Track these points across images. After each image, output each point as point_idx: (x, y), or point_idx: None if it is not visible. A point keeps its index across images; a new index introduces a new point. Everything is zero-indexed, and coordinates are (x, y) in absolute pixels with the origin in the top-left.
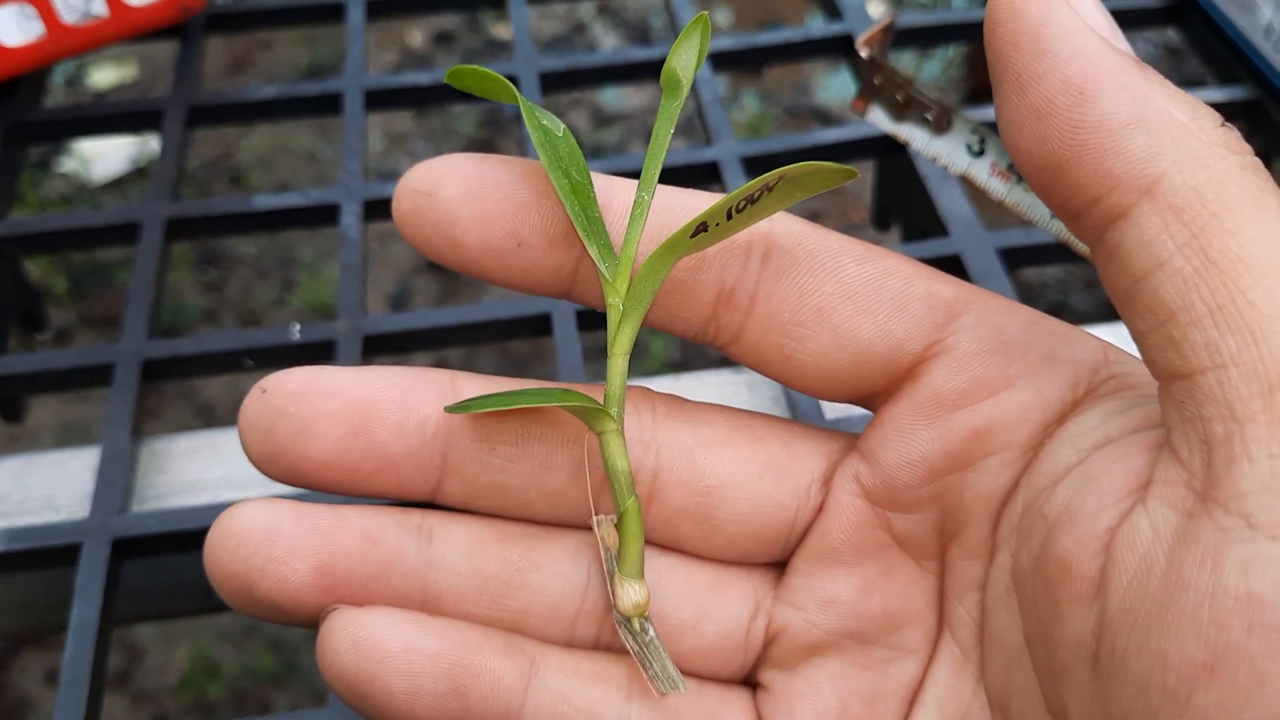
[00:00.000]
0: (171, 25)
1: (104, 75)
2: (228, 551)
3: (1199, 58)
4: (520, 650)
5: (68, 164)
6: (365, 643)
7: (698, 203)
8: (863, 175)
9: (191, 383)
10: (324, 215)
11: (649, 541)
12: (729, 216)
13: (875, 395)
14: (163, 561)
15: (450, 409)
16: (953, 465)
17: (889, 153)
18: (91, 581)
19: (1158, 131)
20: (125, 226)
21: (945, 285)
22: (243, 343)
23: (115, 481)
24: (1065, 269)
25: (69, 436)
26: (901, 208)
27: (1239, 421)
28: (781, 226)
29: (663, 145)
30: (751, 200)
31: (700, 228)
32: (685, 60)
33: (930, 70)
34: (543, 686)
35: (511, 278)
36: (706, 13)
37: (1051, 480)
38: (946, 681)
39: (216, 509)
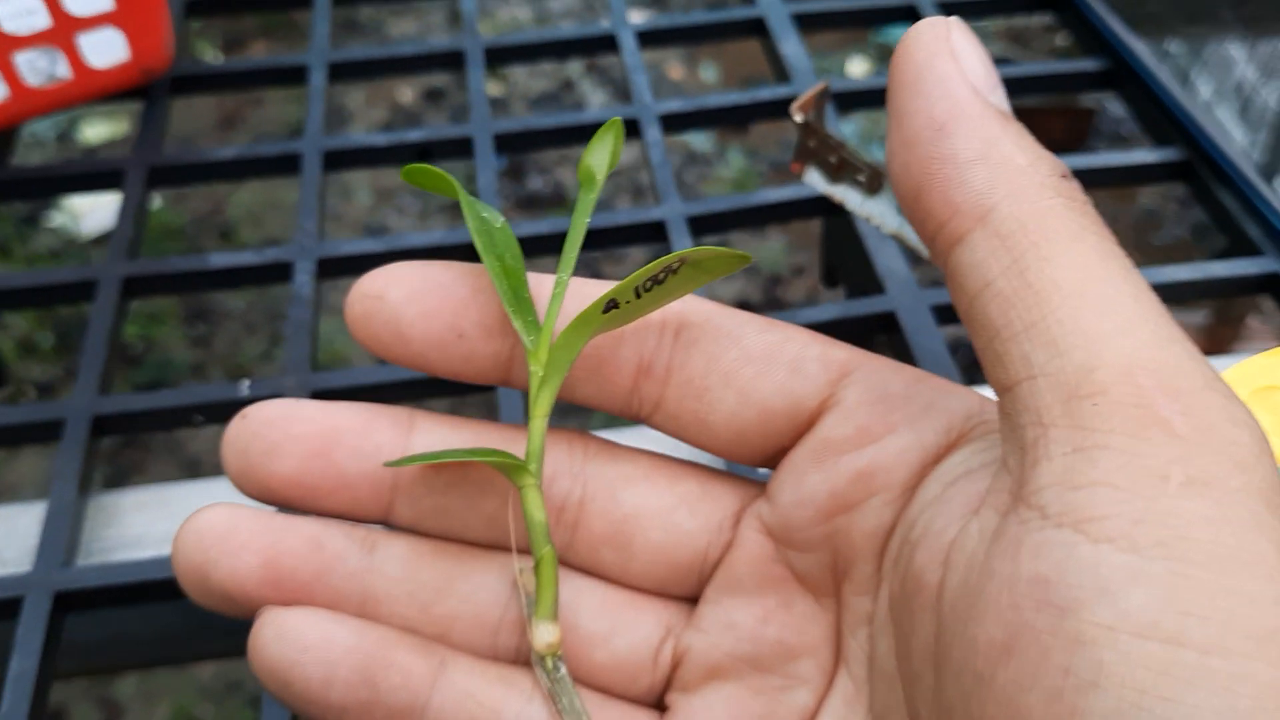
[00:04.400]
0: (135, 87)
1: (95, 130)
2: (190, 545)
3: (1136, 121)
4: (432, 651)
5: (57, 218)
6: (288, 635)
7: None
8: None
9: (177, 436)
10: (278, 273)
11: (574, 567)
12: (638, 295)
13: (784, 453)
14: (107, 615)
15: (389, 464)
16: (839, 506)
17: (833, 213)
18: (32, 634)
19: (997, 169)
20: (82, 284)
21: (838, 349)
22: (192, 398)
23: (59, 535)
24: None
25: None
26: (844, 266)
27: (1044, 426)
28: (691, 306)
29: (579, 232)
30: (657, 281)
31: (611, 304)
32: (599, 159)
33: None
34: (450, 683)
35: (454, 367)
36: (619, 119)
37: (919, 512)
38: (839, 713)
39: (160, 563)
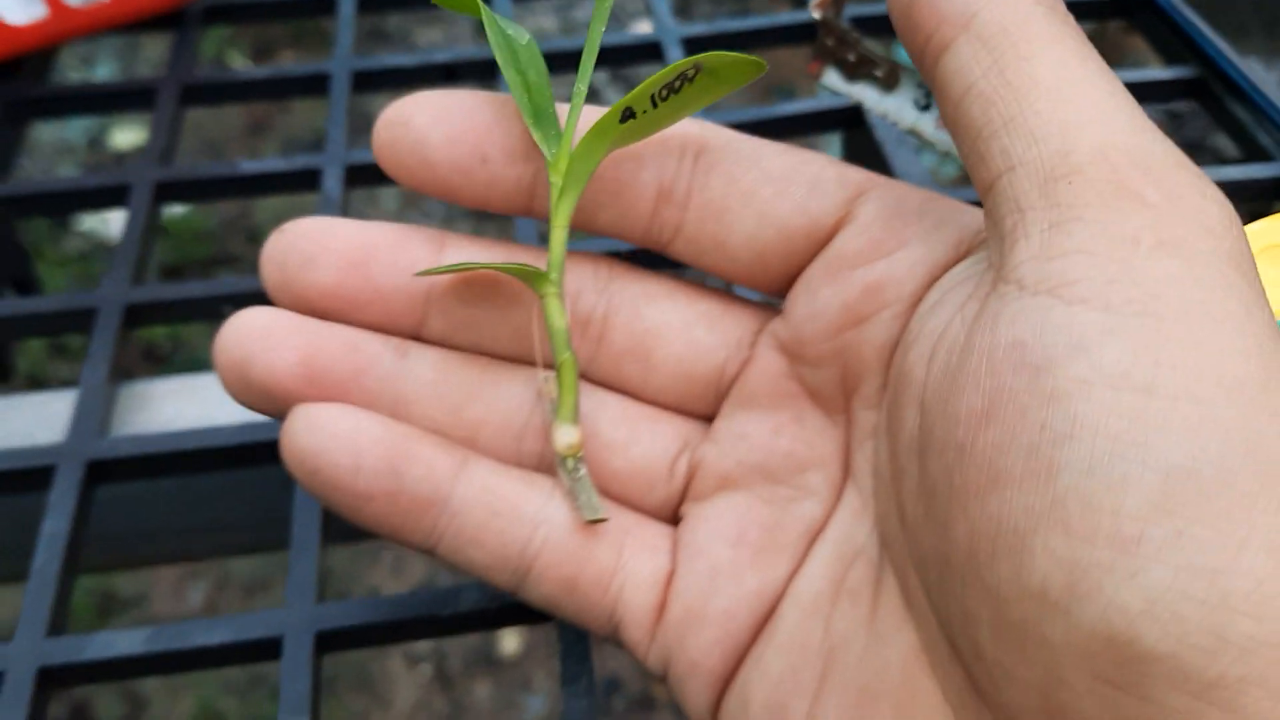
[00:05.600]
0: (173, 8)
1: (126, 136)
2: (231, 342)
3: (1147, 42)
4: (455, 449)
5: (87, 222)
6: (318, 424)
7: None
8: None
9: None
10: (306, 180)
11: (598, 381)
12: (654, 104)
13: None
14: (138, 495)
15: (420, 273)
16: (850, 319)
17: (853, 125)
18: (65, 499)
19: None
20: (116, 188)
21: (855, 171)
22: (224, 289)
23: (93, 412)
24: None
25: None
26: None
27: (1022, 211)
28: (711, 131)
29: (596, 41)
30: (673, 89)
31: (628, 113)
32: None
33: None
34: (472, 478)
35: (477, 193)
36: None
37: (918, 318)
38: (845, 525)
39: (196, 433)
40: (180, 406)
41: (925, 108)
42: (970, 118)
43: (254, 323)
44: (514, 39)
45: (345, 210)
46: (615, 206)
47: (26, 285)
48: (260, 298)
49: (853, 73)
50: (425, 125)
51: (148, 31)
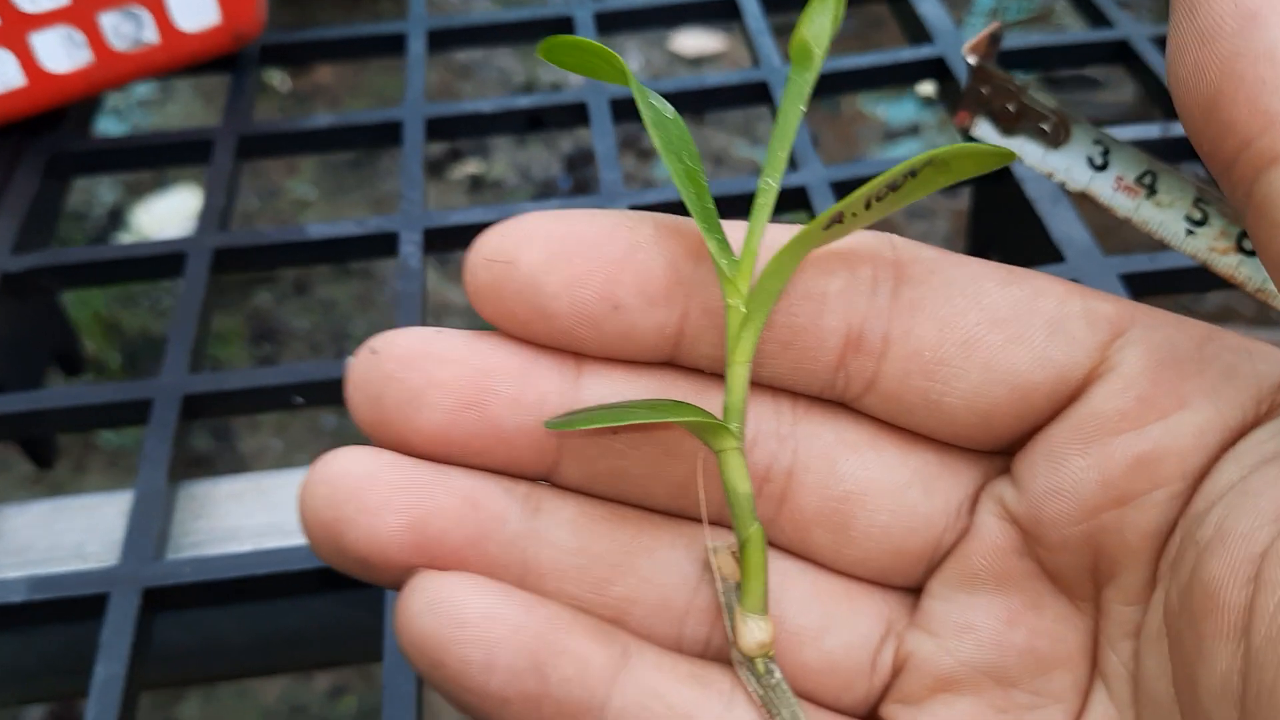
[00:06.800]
0: (225, 55)
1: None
2: (321, 498)
3: None
4: (613, 638)
5: (125, 238)
6: (443, 606)
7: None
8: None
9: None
10: (381, 245)
11: (776, 546)
12: (867, 206)
13: (1036, 432)
14: (201, 616)
15: (550, 425)
16: (1111, 499)
17: (989, 178)
18: (119, 636)
19: None
20: (170, 257)
21: (1103, 301)
22: (293, 377)
23: (149, 526)
24: (1197, 298)
25: None
26: (1003, 236)
27: None
28: (908, 255)
29: (792, 125)
30: (893, 187)
31: (835, 219)
32: (818, 29)
33: None
34: (634, 679)
35: (609, 346)
36: None
37: (1210, 502)
38: None
39: (261, 557)
40: (246, 512)
41: (1102, 167)
42: None
43: (348, 472)
44: (661, 111)
45: (424, 276)
46: (786, 357)
47: (72, 362)
48: (336, 386)
49: (1011, 125)
50: (537, 265)
51: (201, 75)
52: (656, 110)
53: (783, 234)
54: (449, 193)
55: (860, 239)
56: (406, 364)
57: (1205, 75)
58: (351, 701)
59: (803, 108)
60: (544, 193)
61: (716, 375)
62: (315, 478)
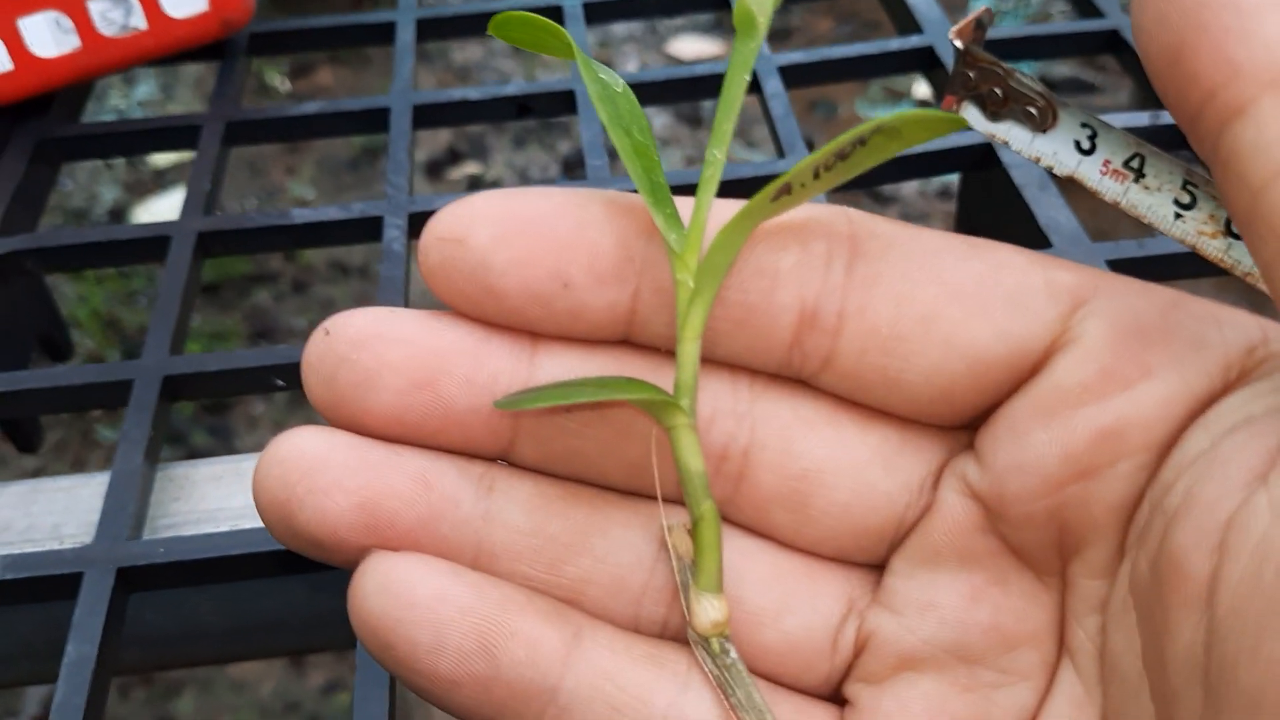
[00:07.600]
0: (212, 42)
1: (166, 155)
2: (274, 478)
3: None
4: (566, 619)
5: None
6: (393, 587)
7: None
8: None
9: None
10: (366, 229)
11: (735, 524)
12: (816, 176)
13: (997, 407)
14: (178, 599)
15: (499, 404)
16: (1075, 473)
17: (976, 166)
18: (91, 616)
19: None
20: (154, 240)
21: (1065, 271)
22: (273, 359)
23: (125, 506)
24: (1191, 284)
25: None
26: (990, 223)
27: None
28: (864, 229)
29: (737, 95)
30: (842, 156)
31: (783, 190)
32: None
33: None
34: (586, 661)
35: (561, 324)
36: None
37: (1178, 472)
38: (1065, 717)
39: (238, 536)
40: (225, 494)
41: (1089, 151)
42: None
43: (301, 452)
44: (609, 85)
45: (408, 261)
46: (740, 336)
47: (56, 346)
48: None
49: (997, 109)
50: (487, 244)
51: (189, 62)
52: (604, 84)
53: (733, 209)
54: (448, 193)
55: (815, 212)
56: (359, 345)
57: (1169, 24)
58: (346, 697)
59: (747, 76)
60: None
61: (672, 354)
62: (269, 458)
